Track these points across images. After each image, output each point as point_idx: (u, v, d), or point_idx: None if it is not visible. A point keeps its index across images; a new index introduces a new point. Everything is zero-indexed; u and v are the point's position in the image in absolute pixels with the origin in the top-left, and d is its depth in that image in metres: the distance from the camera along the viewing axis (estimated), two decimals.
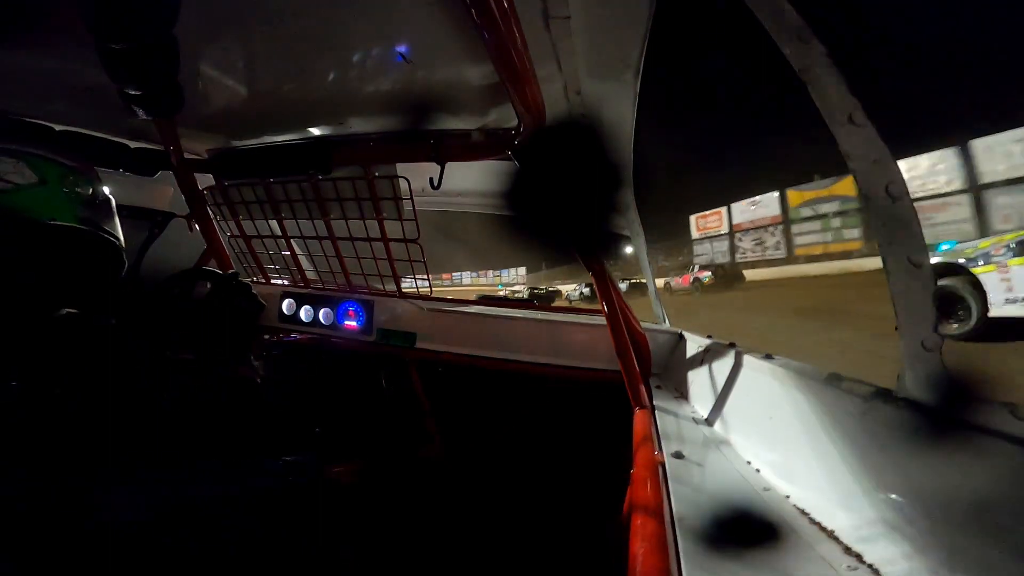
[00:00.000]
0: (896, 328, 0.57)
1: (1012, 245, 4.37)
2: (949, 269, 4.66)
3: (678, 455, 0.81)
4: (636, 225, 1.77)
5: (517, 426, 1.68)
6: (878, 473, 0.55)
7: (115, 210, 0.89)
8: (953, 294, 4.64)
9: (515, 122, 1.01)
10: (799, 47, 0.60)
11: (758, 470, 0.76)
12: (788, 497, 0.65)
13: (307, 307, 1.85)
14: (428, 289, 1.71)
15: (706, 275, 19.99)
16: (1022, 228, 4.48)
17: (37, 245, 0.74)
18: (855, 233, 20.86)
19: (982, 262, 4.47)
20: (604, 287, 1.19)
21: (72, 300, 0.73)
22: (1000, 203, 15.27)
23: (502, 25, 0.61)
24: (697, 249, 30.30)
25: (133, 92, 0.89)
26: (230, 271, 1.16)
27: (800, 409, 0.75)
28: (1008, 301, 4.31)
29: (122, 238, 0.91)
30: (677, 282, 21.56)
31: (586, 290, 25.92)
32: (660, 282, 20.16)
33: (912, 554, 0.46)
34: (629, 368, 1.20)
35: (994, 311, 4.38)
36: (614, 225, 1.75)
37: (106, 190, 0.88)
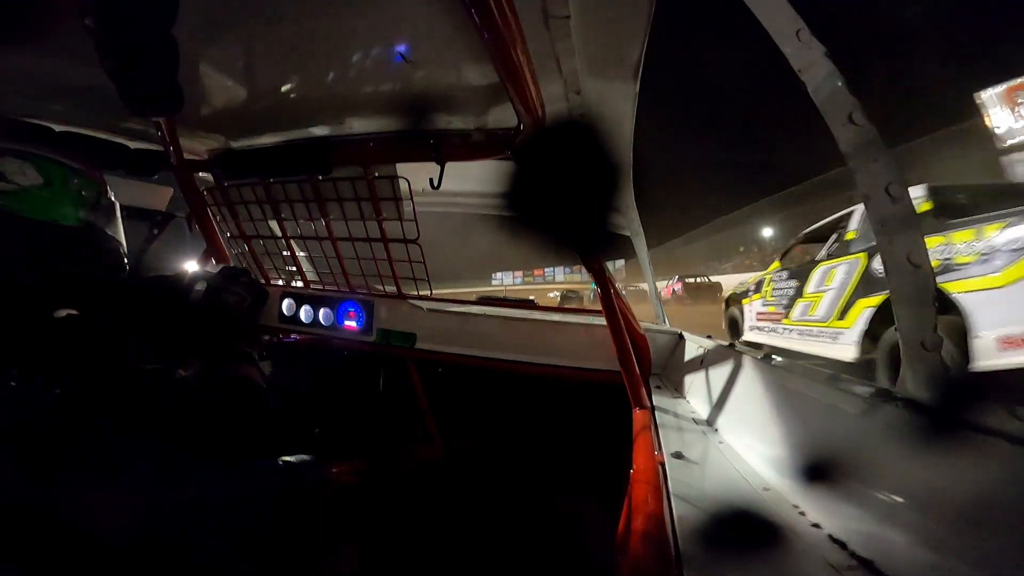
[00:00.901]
0: (895, 328, 0.57)
1: (756, 283, 5.19)
2: (737, 298, 5.70)
3: (678, 455, 0.81)
4: (636, 225, 1.77)
5: (517, 427, 1.68)
6: (878, 473, 0.55)
7: (118, 214, 0.89)
8: (734, 319, 5.70)
9: (515, 122, 1.01)
10: (799, 47, 0.60)
11: (758, 470, 0.76)
12: (788, 497, 0.65)
13: (307, 307, 1.85)
14: (428, 289, 1.71)
15: (680, 287, 18.58)
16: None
17: (40, 246, 0.74)
18: None
19: (748, 294, 5.33)
20: (604, 287, 1.19)
21: (72, 301, 0.73)
22: None
23: (502, 25, 0.61)
24: None
25: (133, 92, 0.89)
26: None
27: (800, 409, 0.75)
28: (751, 328, 5.11)
29: (124, 242, 0.91)
30: (663, 293, 19.17)
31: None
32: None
33: (912, 554, 0.46)
34: (629, 368, 1.20)
35: (744, 336, 5.17)
36: (614, 225, 1.76)
37: (111, 194, 0.88)
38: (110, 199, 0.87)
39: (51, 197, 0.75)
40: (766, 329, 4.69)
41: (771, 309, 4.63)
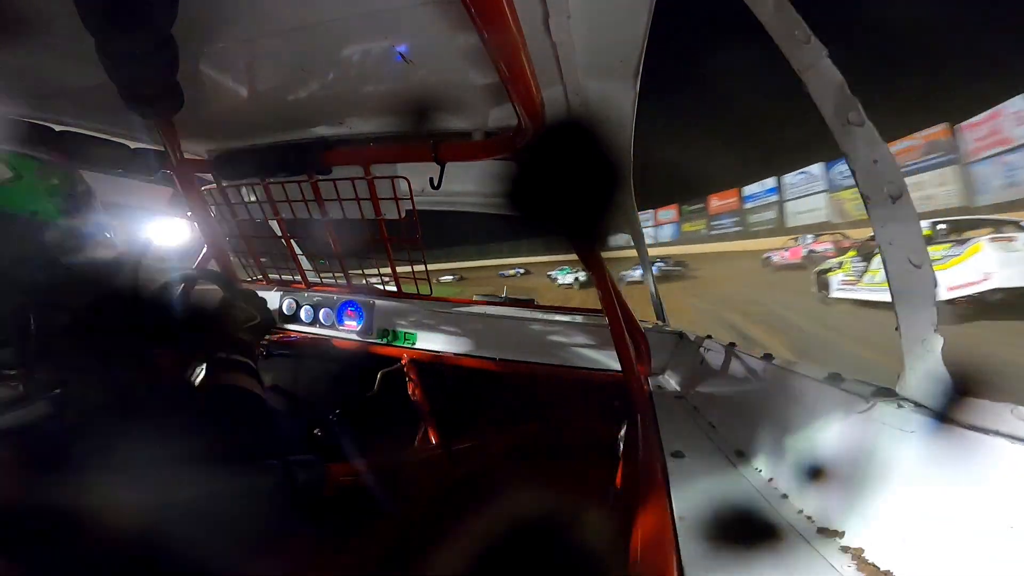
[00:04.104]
0: (896, 328, 0.57)
1: (838, 263, 9.49)
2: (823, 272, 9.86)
3: (678, 455, 0.81)
4: (636, 224, 1.77)
5: (518, 426, 1.68)
6: (878, 473, 0.55)
7: (98, 202, 0.88)
8: (824, 284, 9.71)
9: (515, 122, 1.01)
10: (799, 47, 0.60)
11: (758, 469, 0.76)
12: (788, 496, 0.65)
13: (307, 307, 1.85)
14: (428, 289, 1.71)
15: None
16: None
17: (23, 240, 0.73)
18: None
19: (831, 271, 9.54)
20: (604, 287, 1.19)
21: (67, 297, 0.72)
22: None
23: (502, 25, 0.61)
24: None
25: (133, 92, 0.89)
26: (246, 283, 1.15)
27: (800, 408, 0.75)
28: (836, 290, 9.23)
29: (111, 230, 0.89)
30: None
31: (582, 275, 27.28)
32: None
33: (912, 554, 0.46)
34: (629, 368, 1.20)
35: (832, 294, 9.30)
36: (614, 225, 1.76)
37: (86, 181, 0.86)
38: (87, 187, 0.85)
39: (26, 189, 0.74)
40: (846, 289, 8.78)
41: (850, 279, 8.71)
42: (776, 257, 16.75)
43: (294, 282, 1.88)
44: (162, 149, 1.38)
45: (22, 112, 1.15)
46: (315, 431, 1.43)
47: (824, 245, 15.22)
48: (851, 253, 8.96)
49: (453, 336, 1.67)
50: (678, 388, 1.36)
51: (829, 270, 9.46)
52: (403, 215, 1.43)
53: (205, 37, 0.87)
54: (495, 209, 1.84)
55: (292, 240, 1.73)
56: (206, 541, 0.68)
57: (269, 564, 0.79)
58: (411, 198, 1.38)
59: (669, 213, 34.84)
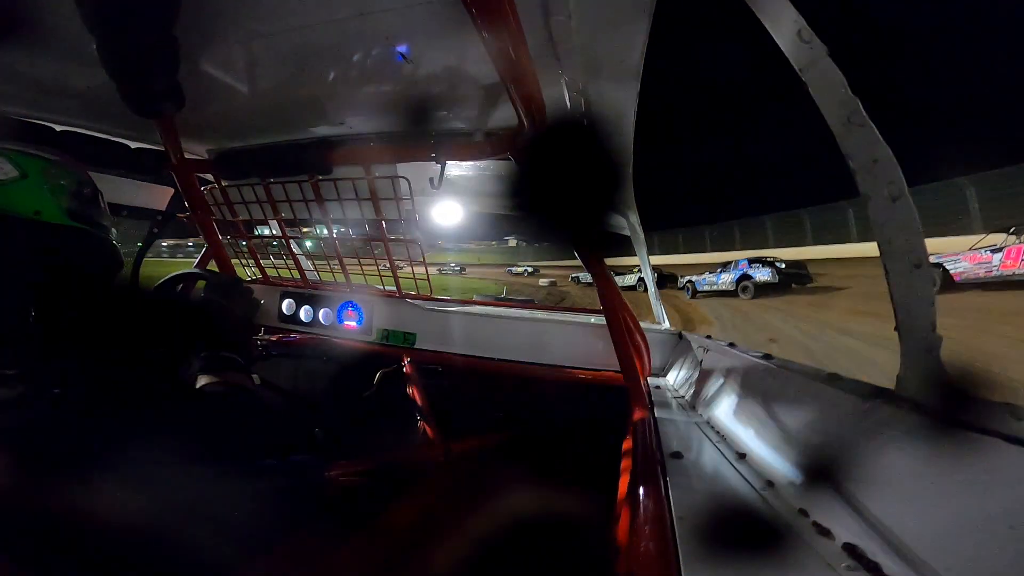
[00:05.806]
0: (896, 328, 0.57)
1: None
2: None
3: (678, 455, 0.81)
4: (636, 226, 1.77)
5: (517, 427, 1.68)
6: (877, 473, 0.55)
7: (104, 203, 0.87)
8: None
9: (515, 122, 1.01)
10: (799, 47, 0.60)
11: (757, 470, 0.76)
12: (787, 497, 0.65)
13: (307, 307, 1.85)
14: (428, 289, 1.71)
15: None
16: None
17: (24, 240, 0.73)
18: None
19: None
20: (604, 287, 1.19)
21: (67, 298, 0.72)
22: None
23: (502, 25, 0.61)
24: None
25: (134, 92, 0.89)
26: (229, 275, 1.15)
27: (799, 409, 0.75)
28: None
29: (114, 231, 0.89)
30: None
31: (530, 268, 29.74)
32: None
33: (911, 554, 0.46)
34: (629, 368, 1.20)
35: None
36: (615, 225, 1.76)
37: (93, 183, 0.86)
38: (94, 188, 0.84)
39: (29, 189, 0.74)
40: None
41: None
42: (953, 266, 8.41)
43: (294, 282, 1.88)
44: (162, 149, 1.38)
45: (22, 112, 1.15)
46: (315, 431, 1.43)
47: None
48: None
49: (452, 336, 1.67)
50: (678, 388, 1.36)
51: None
52: (403, 215, 1.43)
53: (205, 37, 0.87)
54: (495, 209, 1.84)
55: (292, 240, 1.73)
56: (205, 541, 0.68)
57: (269, 564, 0.79)
58: (411, 198, 1.38)
59: None
